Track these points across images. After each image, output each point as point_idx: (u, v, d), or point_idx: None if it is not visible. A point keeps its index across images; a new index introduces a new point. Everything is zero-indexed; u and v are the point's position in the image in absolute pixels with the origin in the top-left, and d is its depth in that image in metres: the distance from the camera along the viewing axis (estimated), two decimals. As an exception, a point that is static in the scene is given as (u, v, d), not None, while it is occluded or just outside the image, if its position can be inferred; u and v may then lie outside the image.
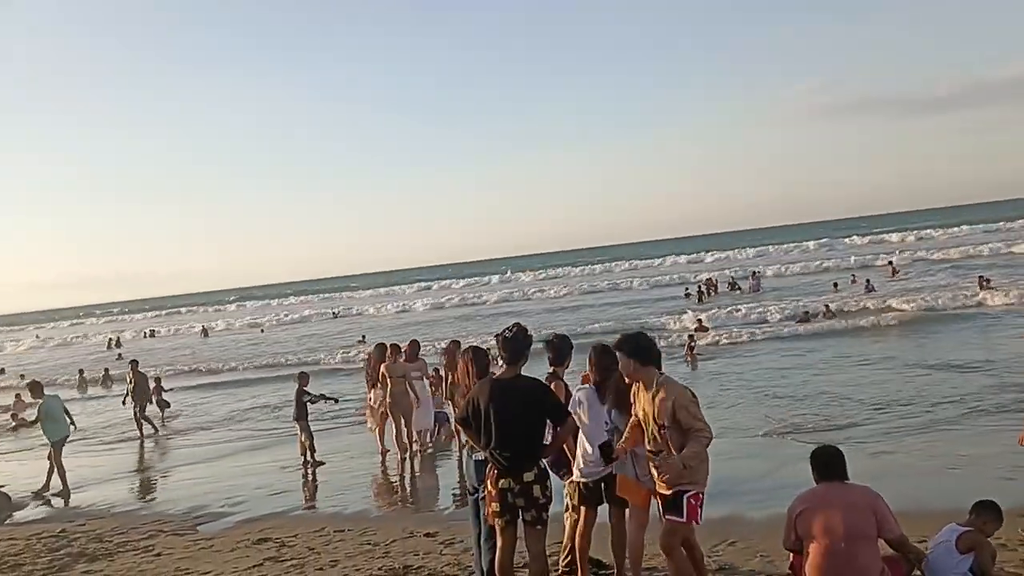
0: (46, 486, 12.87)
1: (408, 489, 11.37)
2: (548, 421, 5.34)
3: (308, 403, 13.11)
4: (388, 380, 12.44)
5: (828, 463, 5.16)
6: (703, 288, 37.58)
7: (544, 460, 5.45)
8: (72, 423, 13.58)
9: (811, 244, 68.83)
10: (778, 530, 5.38)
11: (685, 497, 5.20)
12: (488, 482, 5.31)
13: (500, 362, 5.51)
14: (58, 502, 12.32)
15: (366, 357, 13.34)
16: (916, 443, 10.26)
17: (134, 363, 19.27)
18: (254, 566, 7.78)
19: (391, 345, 13.16)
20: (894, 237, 65.76)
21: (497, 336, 5.39)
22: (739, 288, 37.96)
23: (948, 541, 5.39)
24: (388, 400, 12.48)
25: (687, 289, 39.32)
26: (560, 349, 6.38)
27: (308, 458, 12.98)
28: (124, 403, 18.24)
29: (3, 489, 12.45)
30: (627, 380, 5.45)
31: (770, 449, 10.81)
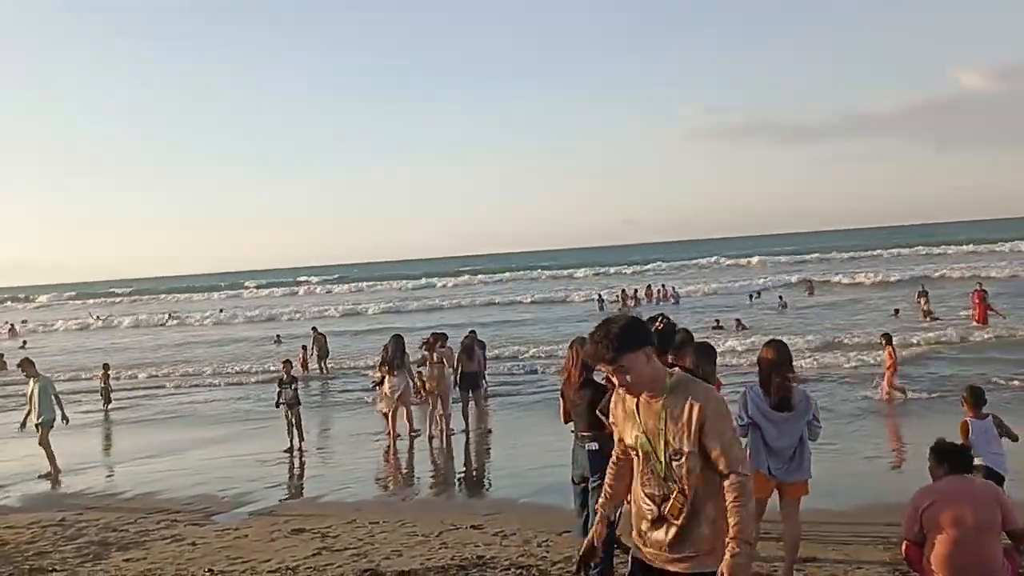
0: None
1: (420, 476, 11.52)
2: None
3: (294, 390, 13.53)
4: (431, 364, 13.44)
5: (954, 456, 5.56)
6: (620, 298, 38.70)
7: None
8: (64, 416, 12.89)
9: (703, 261, 71.02)
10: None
11: None
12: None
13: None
14: (27, 489, 11.72)
15: (383, 347, 13.89)
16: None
17: None
18: (312, 555, 7.61)
19: (435, 334, 14.18)
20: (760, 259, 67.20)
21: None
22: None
23: None
24: (430, 383, 13.25)
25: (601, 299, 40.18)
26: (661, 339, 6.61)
27: (298, 445, 13.33)
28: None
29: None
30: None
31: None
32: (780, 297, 33.55)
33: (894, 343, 15.17)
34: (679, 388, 3.33)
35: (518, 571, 6.77)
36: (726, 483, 3.20)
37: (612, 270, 68.11)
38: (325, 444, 14.14)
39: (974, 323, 23.09)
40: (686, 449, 3.25)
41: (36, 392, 12.50)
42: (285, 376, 13.83)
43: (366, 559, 7.39)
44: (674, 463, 3.29)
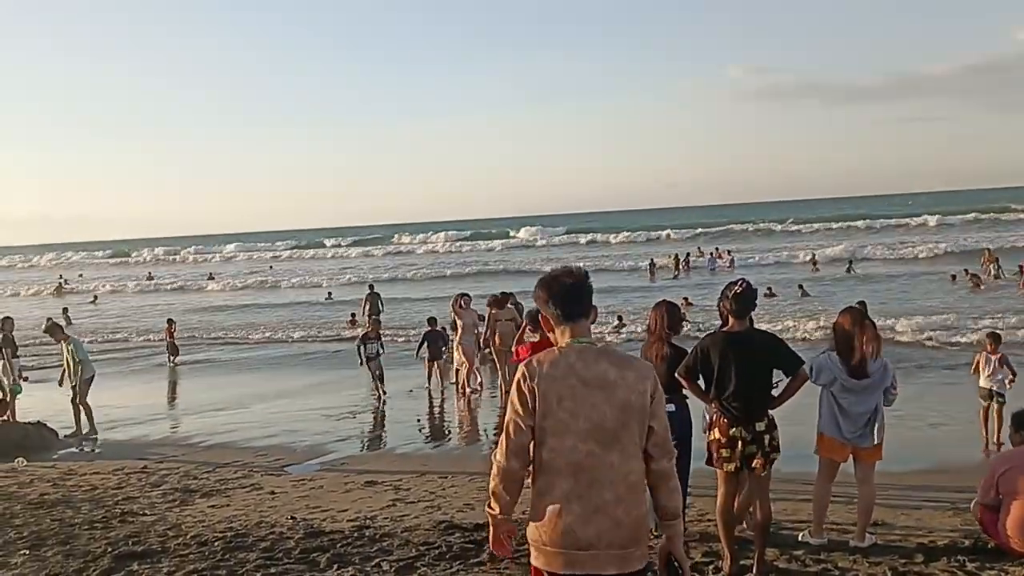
0: (80, 428, 12.43)
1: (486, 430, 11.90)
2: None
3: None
4: (495, 322, 13.43)
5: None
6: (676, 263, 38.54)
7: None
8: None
9: (752, 226, 68.95)
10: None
11: None
12: (715, 430, 5.56)
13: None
14: (106, 437, 12.25)
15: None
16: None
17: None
18: (387, 506, 7.85)
19: (502, 293, 14.25)
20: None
21: (725, 290, 5.62)
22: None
23: None
24: (497, 341, 13.25)
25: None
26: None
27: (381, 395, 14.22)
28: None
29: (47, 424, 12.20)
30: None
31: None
32: (850, 262, 33.15)
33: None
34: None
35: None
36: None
37: (655, 234, 66.32)
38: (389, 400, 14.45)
39: (1020, 293, 23.37)
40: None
41: (71, 352, 12.43)
42: (371, 332, 14.65)
43: (440, 511, 7.59)
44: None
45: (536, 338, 8.66)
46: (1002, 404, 9.56)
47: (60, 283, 53.16)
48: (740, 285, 5.59)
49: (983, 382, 9.86)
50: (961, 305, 22.26)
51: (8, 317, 13.83)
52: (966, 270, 27.49)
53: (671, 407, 6.19)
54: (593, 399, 2.99)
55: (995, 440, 9.56)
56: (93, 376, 12.66)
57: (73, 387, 12.40)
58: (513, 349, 9.68)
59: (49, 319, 13.97)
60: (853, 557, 5.82)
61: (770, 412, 5.55)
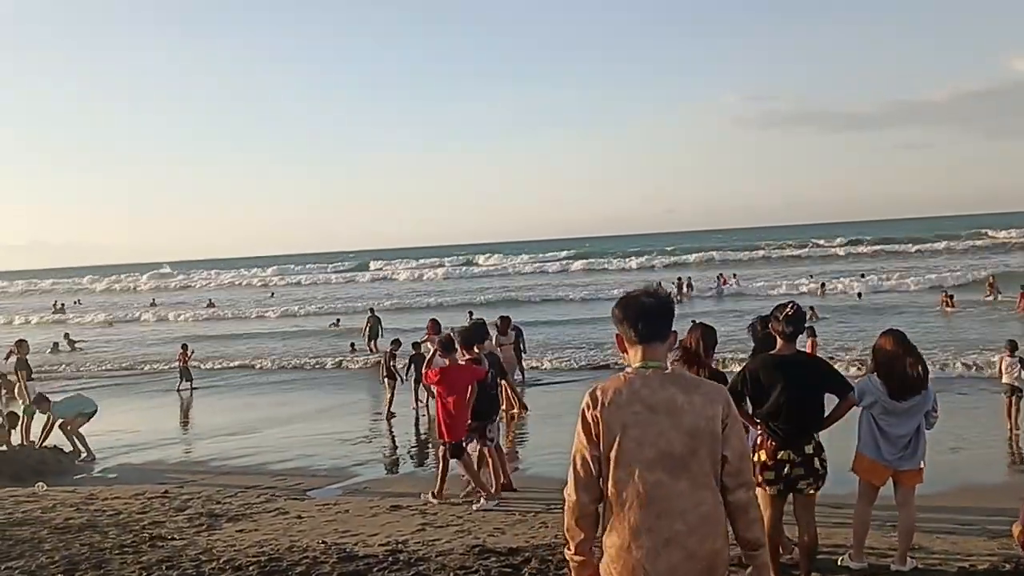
0: (77, 451, 12.44)
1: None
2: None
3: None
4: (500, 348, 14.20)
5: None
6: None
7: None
8: None
9: (752, 252, 69.09)
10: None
11: None
12: (761, 452, 5.58)
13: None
14: (120, 460, 12.21)
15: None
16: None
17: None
18: (417, 530, 7.81)
19: (502, 318, 15.96)
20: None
21: (775, 312, 5.66)
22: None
23: None
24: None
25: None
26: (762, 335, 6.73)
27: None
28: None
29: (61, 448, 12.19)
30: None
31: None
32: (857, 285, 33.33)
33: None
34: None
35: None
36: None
37: (661, 260, 66.30)
38: (399, 423, 14.45)
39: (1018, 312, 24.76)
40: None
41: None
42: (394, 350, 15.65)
43: (471, 535, 7.55)
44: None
45: (446, 363, 8.97)
46: (1020, 398, 11.60)
47: (56, 307, 52.92)
48: (792, 307, 5.63)
49: (1005, 379, 11.77)
50: (975, 328, 22.42)
51: (23, 340, 13.84)
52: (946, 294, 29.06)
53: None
54: (659, 425, 2.86)
55: (1016, 428, 11.48)
56: (94, 411, 12.77)
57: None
58: (424, 373, 9.83)
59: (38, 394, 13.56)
60: (896, 581, 5.81)
61: (816, 435, 5.58)
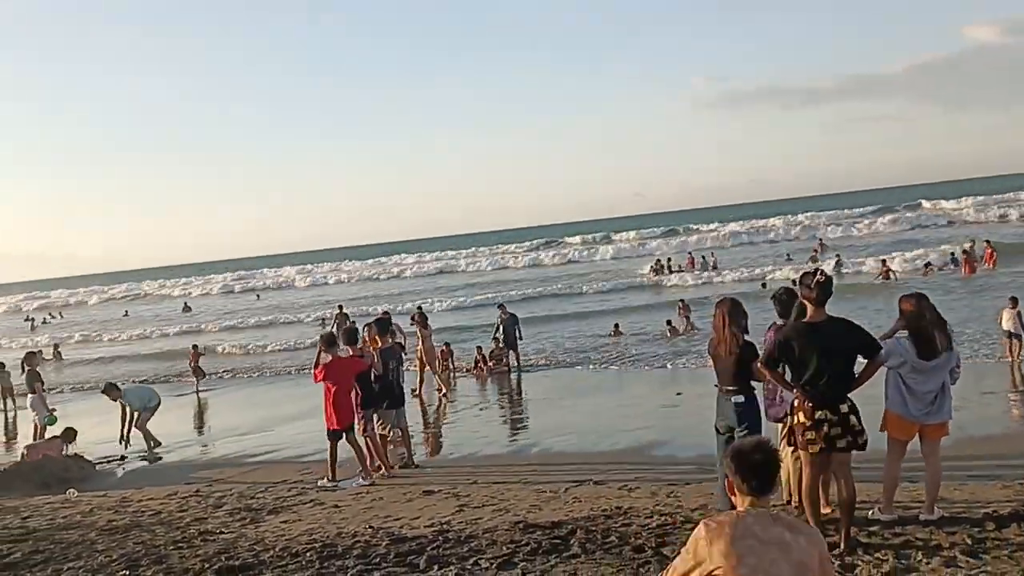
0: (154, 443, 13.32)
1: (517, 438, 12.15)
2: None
3: None
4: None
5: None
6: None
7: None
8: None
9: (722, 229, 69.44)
10: None
11: None
12: (799, 414, 5.91)
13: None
14: (133, 465, 12.41)
15: None
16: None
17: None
18: (456, 511, 8.07)
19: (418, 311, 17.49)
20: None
21: (805, 280, 5.98)
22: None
23: None
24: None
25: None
26: (786, 304, 7.04)
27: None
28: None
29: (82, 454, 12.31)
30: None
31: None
32: (838, 261, 33.91)
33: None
34: None
35: (662, 517, 7.18)
36: None
37: (626, 244, 66.77)
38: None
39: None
40: None
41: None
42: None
43: (510, 514, 7.81)
44: None
45: (329, 358, 9.80)
46: (1020, 343, 14.26)
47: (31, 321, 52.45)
48: (821, 274, 5.96)
49: (1005, 325, 14.50)
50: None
51: (32, 352, 13.90)
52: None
53: (740, 397, 6.61)
54: (771, 555, 3.17)
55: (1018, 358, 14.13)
56: (158, 404, 13.45)
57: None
58: (312, 373, 10.31)
59: (108, 383, 14.07)
60: (928, 529, 6.16)
61: (848, 395, 5.92)
